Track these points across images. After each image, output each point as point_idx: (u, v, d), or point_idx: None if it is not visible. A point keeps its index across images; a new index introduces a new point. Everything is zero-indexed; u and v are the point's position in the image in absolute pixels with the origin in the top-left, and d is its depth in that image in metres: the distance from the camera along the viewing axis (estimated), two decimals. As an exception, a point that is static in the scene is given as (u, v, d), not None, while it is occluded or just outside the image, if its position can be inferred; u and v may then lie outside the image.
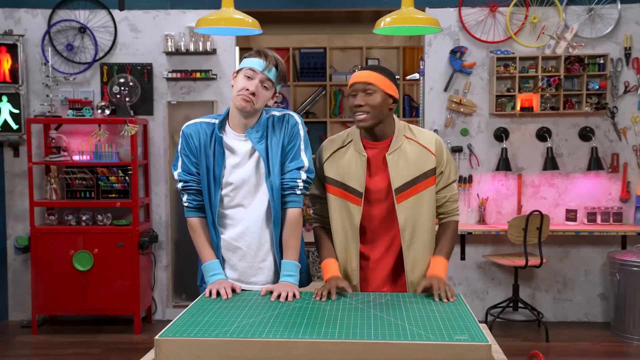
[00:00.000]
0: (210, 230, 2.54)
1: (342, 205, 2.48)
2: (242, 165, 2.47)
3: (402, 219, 2.43)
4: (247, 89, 2.40)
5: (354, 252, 2.49)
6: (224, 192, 2.49)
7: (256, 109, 2.44)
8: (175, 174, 2.53)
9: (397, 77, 6.72)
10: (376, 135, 2.46)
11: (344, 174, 2.47)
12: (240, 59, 2.64)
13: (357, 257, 2.49)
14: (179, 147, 2.53)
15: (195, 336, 1.89)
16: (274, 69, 2.44)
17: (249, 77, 2.42)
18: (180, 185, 2.53)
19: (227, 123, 2.52)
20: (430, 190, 2.46)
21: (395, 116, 2.52)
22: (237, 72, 2.50)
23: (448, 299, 2.28)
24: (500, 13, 5.43)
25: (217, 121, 2.50)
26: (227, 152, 2.48)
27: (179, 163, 2.53)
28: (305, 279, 2.66)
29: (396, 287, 2.52)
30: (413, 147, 2.45)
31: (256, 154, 2.47)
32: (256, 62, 2.43)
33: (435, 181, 2.47)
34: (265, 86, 2.44)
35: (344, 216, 2.48)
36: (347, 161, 2.47)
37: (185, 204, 2.55)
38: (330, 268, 2.45)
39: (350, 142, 2.50)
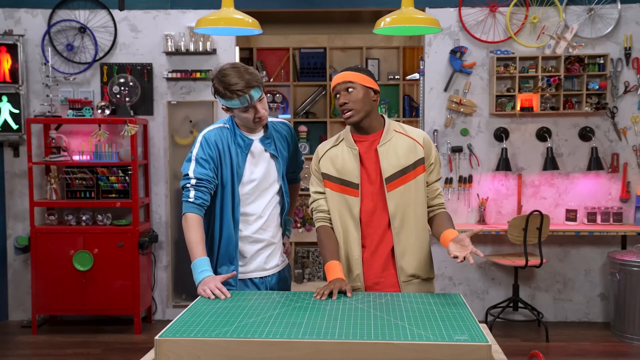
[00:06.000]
0: (228, 229, 2.67)
1: (340, 199, 2.60)
2: (259, 163, 2.72)
3: (392, 206, 2.55)
4: (260, 118, 2.63)
5: (356, 243, 2.58)
6: (246, 189, 2.69)
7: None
8: (190, 171, 2.62)
9: (396, 76, 6.76)
10: (365, 129, 2.59)
11: (339, 169, 2.60)
12: (218, 88, 2.62)
13: (359, 247, 2.58)
14: (195, 151, 2.65)
15: (195, 336, 1.90)
16: (258, 88, 2.59)
17: (250, 109, 2.60)
18: (194, 182, 2.60)
19: (236, 128, 2.71)
20: (418, 180, 2.58)
21: (384, 115, 2.69)
22: (231, 109, 2.66)
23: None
24: (500, 13, 5.43)
25: (228, 126, 2.70)
26: (247, 153, 2.69)
27: (192, 165, 2.62)
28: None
29: (390, 273, 2.58)
30: (403, 140, 2.60)
31: (267, 154, 2.74)
32: (248, 99, 2.57)
33: (423, 170, 2.59)
34: (261, 102, 2.63)
35: (343, 209, 2.60)
36: (340, 157, 2.61)
37: (191, 200, 2.60)
38: (334, 270, 2.52)
39: (342, 140, 2.65)
